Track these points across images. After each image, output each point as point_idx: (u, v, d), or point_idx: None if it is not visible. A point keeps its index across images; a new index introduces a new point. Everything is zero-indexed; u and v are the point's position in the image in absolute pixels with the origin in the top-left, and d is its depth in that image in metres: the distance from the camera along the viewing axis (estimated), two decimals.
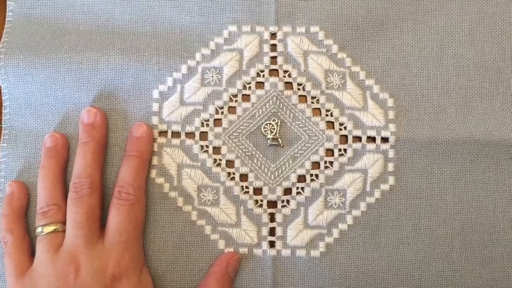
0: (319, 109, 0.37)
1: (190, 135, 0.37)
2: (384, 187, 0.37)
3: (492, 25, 0.38)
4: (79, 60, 0.37)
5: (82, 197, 0.33)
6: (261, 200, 0.37)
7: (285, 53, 0.38)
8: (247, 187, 0.37)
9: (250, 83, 0.38)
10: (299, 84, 0.38)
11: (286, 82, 0.38)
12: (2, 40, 0.37)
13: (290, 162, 0.37)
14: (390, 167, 0.37)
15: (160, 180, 0.37)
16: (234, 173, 0.37)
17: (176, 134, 0.37)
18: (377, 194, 0.37)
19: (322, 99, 0.37)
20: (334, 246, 0.36)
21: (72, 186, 0.34)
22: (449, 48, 0.38)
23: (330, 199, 0.37)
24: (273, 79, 0.37)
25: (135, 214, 0.34)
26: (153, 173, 0.37)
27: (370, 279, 0.36)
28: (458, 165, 0.37)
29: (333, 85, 0.37)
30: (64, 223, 0.33)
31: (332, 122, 0.37)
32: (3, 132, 0.37)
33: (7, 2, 0.38)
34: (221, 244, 0.36)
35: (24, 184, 0.36)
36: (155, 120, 0.37)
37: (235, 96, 0.37)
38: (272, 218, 0.37)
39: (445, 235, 0.36)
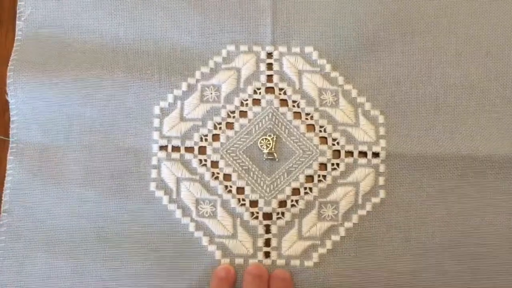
0: (313, 125, 0.39)
1: (189, 149, 0.38)
2: (375, 200, 0.38)
3: (478, 46, 0.40)
4: (85, 78, 0.38)
5: None
6: (257, 212, 0.38)
7: (280, 71, 0.39)
8: (243, 200, 0.38)
9: (247, 100, 0.39)
10: (294, 101, 0.39)
11: (281, 99, 0.39)
12: (11, 58, 0.39)
13: (285, 175, 0.38)
14: (381, 181, 0.38)
15: (159, 193, 0.38)
16: (231, 186, 0.38)
17: (176, 149, 0.38)
18: (368, 206, 0.38)
19: (316, 116, 0.39)
20: (327, 256, 0.37)
21: None
22: (437, 68, 0.39)
23: (323, 211, 0.38)
24: (269, 97, 0.39)
25: None
26: (153, 186, 0.38)
27: None
28: (446, 180, 0.38)
29: (327, 102, 0.39)
30: None
31: (326, 138, 0.38)
32: (10, 145, 0.38)
33: (17, 22, 0.40)
34: (218, 254, 0.37)
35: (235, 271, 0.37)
36: (156, 135, 0.38)
37: (233, 112, 0.39)
38: (267, 229, 0.38)
39: (435, 247, 0.37)
